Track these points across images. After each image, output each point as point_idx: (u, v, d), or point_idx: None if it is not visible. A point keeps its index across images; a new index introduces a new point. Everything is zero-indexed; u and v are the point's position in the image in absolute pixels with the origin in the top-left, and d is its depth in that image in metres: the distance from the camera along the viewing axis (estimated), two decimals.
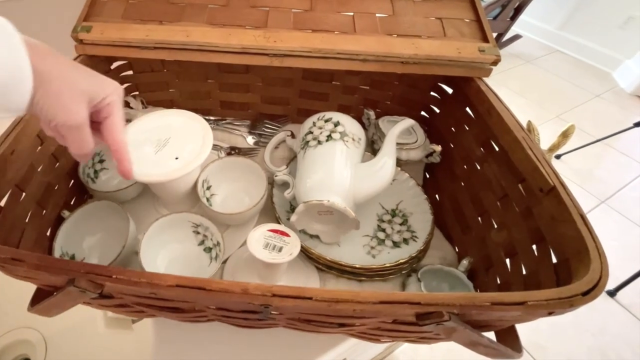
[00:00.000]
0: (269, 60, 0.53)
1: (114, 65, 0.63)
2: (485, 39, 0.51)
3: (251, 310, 0.30)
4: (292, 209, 0.53)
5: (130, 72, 0.64)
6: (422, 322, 0.27)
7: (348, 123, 0.53)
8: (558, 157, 1.83)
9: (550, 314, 0.28)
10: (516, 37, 2.62)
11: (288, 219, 0.51)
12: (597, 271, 0.29)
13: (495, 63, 0.50)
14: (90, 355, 0.68)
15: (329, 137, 0.51)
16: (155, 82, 0.67)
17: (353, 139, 0.51)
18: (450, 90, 0.57)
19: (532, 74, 2.44)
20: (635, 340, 1.22)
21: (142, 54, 0.53)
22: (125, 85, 0.65)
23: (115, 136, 0.35)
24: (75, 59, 0.54)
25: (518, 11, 2.28)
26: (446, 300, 0.27)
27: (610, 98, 2.23)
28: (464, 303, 0.27)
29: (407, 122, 0.52)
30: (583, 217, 0.33)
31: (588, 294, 0.27)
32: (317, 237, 0.50)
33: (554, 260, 0.35)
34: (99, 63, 0.58)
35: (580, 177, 1.75)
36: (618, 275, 1.33)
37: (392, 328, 0.34)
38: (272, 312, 0.31)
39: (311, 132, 0.53)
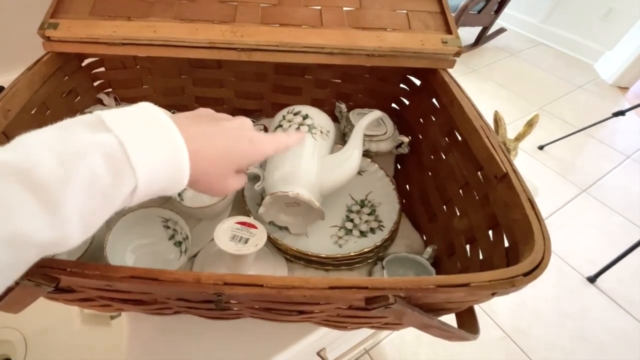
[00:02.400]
0: (237, 55, 0.53)
1: (85, 62, 0.62)
2: (449, 30, 0.52)
3: (208, 300, 0.31)
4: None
5: (102, 69, 0.64)
6: (371, 306, 0.28)
7: (317, 116, 0.53)
8: (541, 147, 1.86)
9: (493, 294, 0.29)
10: (501, 30, 2.64)
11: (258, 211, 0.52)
12: (539, 252, 0.30)
13: (458, 54, 0.50)
14: (70, 352, 0.68)
15: (298, 130, 0.51)
16: (128, 79, 0.66)
17: (321, 132, 0.52)
18: (418, 82, 0.58)
19: (517, 66, 2.47)
20: (614, 324, 1.25)
21: (110, 50, 0.53)
22: (98, 82, 0.65)
23: (269, 151, 0.35)
24: (43, 57, 0.54)
25: (502, 5, 2.30)
26: (393, 284, 0.28)
27: (592, 89, 2.27)
28: (410, 286, 0.28)
29: (375, 114, 0.52)
30: (531, 202, 0.34)
31: (529, 274, 0.28)
32: (286, 228, 0.51)
33: (507, 244, 0.36)
34: (69, 60, 0.58)
35: (562, 166, 1.78)
36: (598, 262, 1.36)
37: (351, 314, 0.35)
38: (229, 301, 0.32)
39: (280, 126, 0.54)
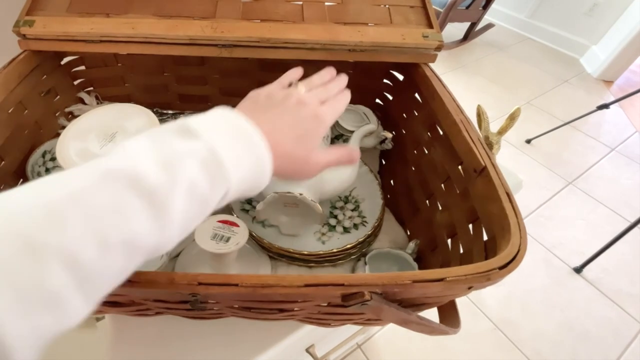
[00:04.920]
0: (218, 51, 0.52)
1: (65, 60, 0.61)
2: (430, 25, 0.52)
3: (184, 300, 0.31)
4: (248, 200, 0.54)
5: (82, 67, 0.63)
6: (347, 303, 0.28)
7: None
8: (528, 141, 1.88)
9: (470, 288, 0.29)
10: (489, 26, 2.66)
11: (242, 209, 0.52)
12: (515, 245, 0.30)
13: (439, 48, 0.51)
14: (55, 355, 0.67)
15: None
16: (109, 77, 0.65)
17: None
18: (401, 78, 0.58)
19: (505, 61, 2.49)
20: (599, 314, 1.28)
21: (87, 47, 0.52)
22: (79, 81, 0.64)
23: (331, 123, 0.34)
24: (19, 55, 0.53)
25: (490, 0, 2.31)
26: (369, 281, 0.28)
27: (578, 83, 2.30)
28: (386, 282, 0.28)
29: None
30: (509, 195, 0.34)
31: (505, 268, 0.29)
32: (272, 226, 0.50)
33: (485, 238, 0.37)
34: (47, 59, 0.57)
35: (549, 159, 1.80)
36: (584, 252, 1.39)
37: (331, 311, 0.35)
38: (207, 301, 0.32)
39: None
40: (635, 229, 1.25)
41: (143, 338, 0.46)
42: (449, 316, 0.38)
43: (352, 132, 0.56)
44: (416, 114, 0.54)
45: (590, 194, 1.64)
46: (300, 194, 0.43)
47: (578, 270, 1.38)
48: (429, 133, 0.50)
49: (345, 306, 0.29)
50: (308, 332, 0.51)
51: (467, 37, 2.55)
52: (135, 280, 0.27)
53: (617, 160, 1.81)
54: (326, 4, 0.54)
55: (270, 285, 0.27)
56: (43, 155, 0.55)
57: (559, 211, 1.58)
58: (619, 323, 1.25)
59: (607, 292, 1.33)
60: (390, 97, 0.62)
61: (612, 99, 1.65)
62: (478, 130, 0.58)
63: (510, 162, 1.78)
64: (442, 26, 2.23)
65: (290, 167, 0.31)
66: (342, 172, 0.49)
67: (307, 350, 0.66)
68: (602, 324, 1.25)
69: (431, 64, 0.53)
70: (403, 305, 0.33)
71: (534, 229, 1.51)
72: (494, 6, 2.38)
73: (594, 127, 1.97)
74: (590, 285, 1.35)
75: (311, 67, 0.64)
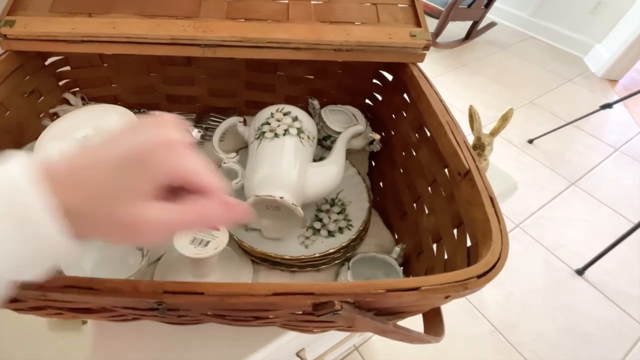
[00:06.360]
0: (201, 51, 0.51)
1: (49, 60, 0.60)
2: (418, 23, 0.50)
3: (152, 308, 0.30)
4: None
5: (67, 68, 0.62)
6: (318, 313, 0.27)
7: (305, 120, 0.52)
8: (530, 141, 1.86)
9: (447, 297, 0.28)
10: (491, 24, 2.63)
11: None
12: (496, 253, 0.29)
13: (427, 48, 0.49)
14: (42, 357, 0.67)
15: (286, 132, 0.50)
16: (95, 78, 0.65)
17: (308, 137, 0.51)
18: (390, 77, 0.57)
19: (507, 60, 2.46)
20: (602, 316, 1.25)
21: (69, 48, 0.52)
22: (64, 81, 0.63)
23: (203, 182, 0.23)
24: (1, 56, 0.52)
25: None
26: (340, 290, 0.27)
27: (582, 82, 2.27)
28: (358, 292, 0.27)
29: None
30: (492, 200, 0.33)
31: (483, 277, 0.27)
32: (254, 230, 0.49)
33: (469, 243, 0.35)
34: (30, 59, 0.56)
35: (552, 160, 1.78)
36: (586, 254, 1.36)
37: (307, 319, 0.34)
38: (177, 308, 0.31)
39: (268, 124, 0.51)
40: (639, 231, 1.22)
41: (126, 341, 0.45)
42: (433, 323, 0.37)
43: (339, 133, 0.54)
44: (404, 114, 0.53)
45: (592, 195, 1.62)
46: (281, 197, 0.42)
47: (580, 272, 1.36)
48: (416, 134, 0.49)
49: (317, 315, 0.27)
50: (296, 337, 0.49)
51: (469, 36, 2.52)
52: (98, 288, 0.26)
53: (620, 160, 1.78)
54: (312, 2, 0.53)
55: (237, 294, 0.26)
56: None
57: (561, 212, 1.56)
58: (621, 326, 1.23)
59: (609, 294, 1.31)
60: (380, 98, 0.60)
61: (616, 98, 1.62)
62: (470, 132, 0.57)
63: (512, 162, 1.76)
64: (443, 25, 2.21)
65: (97, 228, 0.21)
66: (326, 175, 0.48)
67: (297, 355, 0.65)
68: (603, 327, 1.23)
69: (431, 63, 0.51)
70: (380, 314, 0.32)
71: (535, 230, 1.48)
72: (496, 4, 2.35)
73: (597, 127, 1.94)
74: (592, 287, 1.33)
75: (300, 68, 0.63)
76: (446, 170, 0.42)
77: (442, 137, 0.41)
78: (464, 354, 1.17)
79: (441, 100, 0.45)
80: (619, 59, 2.18)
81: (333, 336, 0.80)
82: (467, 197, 0.36)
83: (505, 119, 0.56)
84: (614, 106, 1.59)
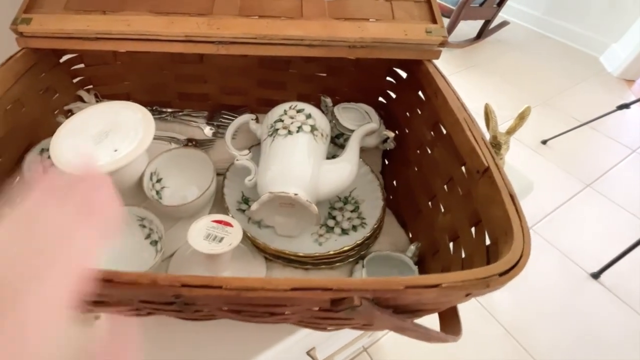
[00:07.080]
0: (215, 48, 0.51)
1: (64, 58, 0.61)
2: (434, 20, 0.50)
3: (170, 302, 0.29)
4: (244, 199, 0.52)
5: (81, 65, 0.63)
6: (336, 308, 0.26)
7: (319, 117, 0.52)
8: (544, 142, 1.82)
9: (467, 295, 0.27)
10: (504, 23, 2.59)
11: (238, 209, 0.51)
12: (517, 251, 0.28)
13: (442, 44, 0.48)
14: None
15: (300, 129, 0.49)
16: (108, 75, 0.65)
17: (322, 135, 0.50)
18: (404, 75, 0.56)
19: (520, 60, 2.42)
20: (619, 321, 1.22)
21: (83, 45, 0.52)
22: (78, 79, 0.64)
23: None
24: (17, 53, 0.53)
25: None
26: (359, 286, 0.26)
27: (597, 82, 2.22)
28: (377, 287, 0.26)
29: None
30: (512, 198, 0.32)
31: (505, 275, 0.26)
32: (268, 227, 0.49)
33: (488, 242, 0.34)
34: (46, 56, 0.57)
35: (566, 161, 1.74)
36: (601, 257, 1.33)
37: (324, 316, 0.34)
38: (194, 302, 0.30)
39: (282, 121, 0.51)
40: None
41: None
42: (450, 323, 0.36)
43: (352, 131, 0.54)
44: (419, 112, 0.52)
45: (608, 197, 1.58)
46: (295, 194, 0.41)
47: (595, 275, 1.32)
48: (432, 132, 0.48)
49: (335, 311, 0.27)
50: (307, 335, 0.49)
51: (480, 35, 2.49)
52: (117, 280, 0.26)
53: (637, 162, 1.74)
54: None
55: (255, 288, 0.26)
56: (41, 153, 0.54)
57: (576, 214, 1.53)
58: (637, 330, 1.20)
59: (626, 298, 1.27)
60: (394, 96, 0.60)
61: (634, 98, 1.58)
62: (486, 130, 0.56)
63: (525, 163, 1.73)
64: (454, 24, 2.19)
65: None
66: (340, 172, 0.47)
67: (307, 353, 0.65)
68: (620, 332, 1.20)
69: (443, 62, 0.50)
70: (398, 311, 0.31)
71: (550, 233, 1.46)
72: (508, 3, 2.32)
73: (614, 128, 1.90)
74: (608, 292, 1.30)
75: (312, 65, 0.63)
76: (463, 168, 0.41)
77: (459, 135, 0.40)
78: (475, 357, 1.15)
79: (458, 98, 0.44)
80: (636, 58, 2.13)
81: (343, 336, 0.79)
82: (486, 195, 0.35)
83: (522, 117, 0.55)
84: (632, 106, 1.55)
